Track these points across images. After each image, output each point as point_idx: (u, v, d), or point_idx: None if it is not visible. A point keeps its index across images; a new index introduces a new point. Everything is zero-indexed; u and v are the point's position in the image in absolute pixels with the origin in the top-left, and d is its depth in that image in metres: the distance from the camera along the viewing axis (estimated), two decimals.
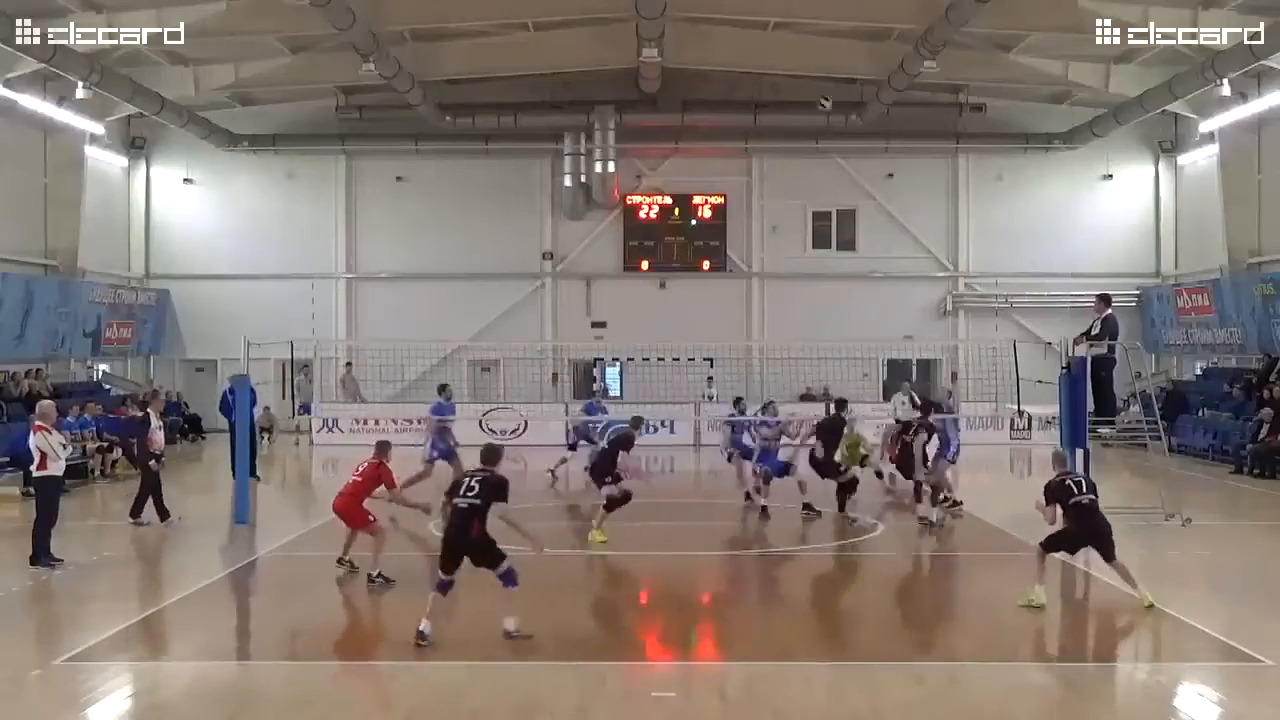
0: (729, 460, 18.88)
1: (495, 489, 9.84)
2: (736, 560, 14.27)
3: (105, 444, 21.88)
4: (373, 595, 11.74)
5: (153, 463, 15.79)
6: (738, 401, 19.25)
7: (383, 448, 12.71)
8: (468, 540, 9.82)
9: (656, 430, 27.80)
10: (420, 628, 9.68)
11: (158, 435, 16.14)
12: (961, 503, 17.23)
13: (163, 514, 15.80)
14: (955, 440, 17.61)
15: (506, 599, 9.86)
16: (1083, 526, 11.34)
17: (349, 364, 30.88)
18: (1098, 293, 17.38)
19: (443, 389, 20.08)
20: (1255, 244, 27.57)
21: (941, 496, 16.59)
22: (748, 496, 17.85)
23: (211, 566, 13.49)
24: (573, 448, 21.48)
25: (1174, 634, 10.36)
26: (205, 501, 18.29)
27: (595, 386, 30.56)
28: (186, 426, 30.24)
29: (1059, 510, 11.38)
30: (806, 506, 16.69)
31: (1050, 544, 11.49)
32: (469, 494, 9.88)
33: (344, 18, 21.93)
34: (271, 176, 32.38)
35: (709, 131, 31.58)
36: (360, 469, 12.56)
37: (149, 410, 16.48)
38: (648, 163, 32.28)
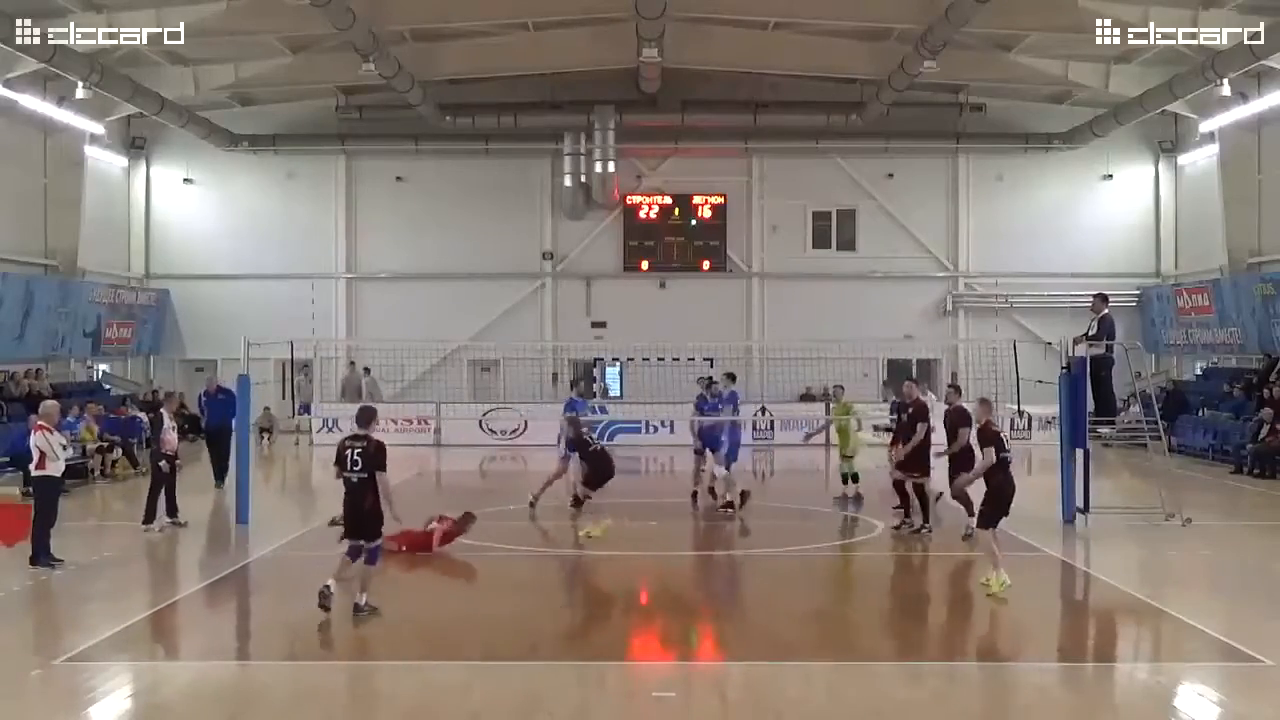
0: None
1: (375, 460, 10.42)
2: (736, 560, 14.27)
3: (105, 444, 21.86)
4: (371, 595, 11.73)
5: (163, 463, 15.64)
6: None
7: (468, 520, 14.28)
8: (361, 512, 10.44)
9: (656, 430, 27.85)
10: (328, 583, 10.30)
11: (170, 435, 15.93)
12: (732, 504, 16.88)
13: (172, 510, 15.72)
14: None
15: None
16: (1007, 482, 11.35)
17: (367, 368, 30.53)
18: (1094, 293, 17.36)
19: (575, 384, 19.62)
20: (1255, 244, 27.57)
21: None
22: (710, 494, 17.38)
23: (211, 566, 13.50)
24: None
25: (1174, 634, 10.37)
26: (205, 501, 18.28)
27: (595, 385, 30.48)
28: (186, 427, 30.19)
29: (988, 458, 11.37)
30: (728, 504, 16.70)
31: (991, 520, 11.39)
32: (354, 468, 10.44)
33: (344, 18, 21.93)
34: (271, 176, 32.38)
35: (709, 131, 31.59)
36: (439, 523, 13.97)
37: (162, 410, 16.35)
38: (648, 163, 32.28)
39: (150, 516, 15.48)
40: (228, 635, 10.75)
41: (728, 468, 17.04)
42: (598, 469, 14.95)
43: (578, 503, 15.01)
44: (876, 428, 18.46)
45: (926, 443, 15.09)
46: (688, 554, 14.77)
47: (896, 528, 15.25)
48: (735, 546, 15.20)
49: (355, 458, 10.46)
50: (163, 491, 15.67)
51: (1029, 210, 32.06)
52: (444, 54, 27.86)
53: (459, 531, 14.18)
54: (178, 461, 16.08)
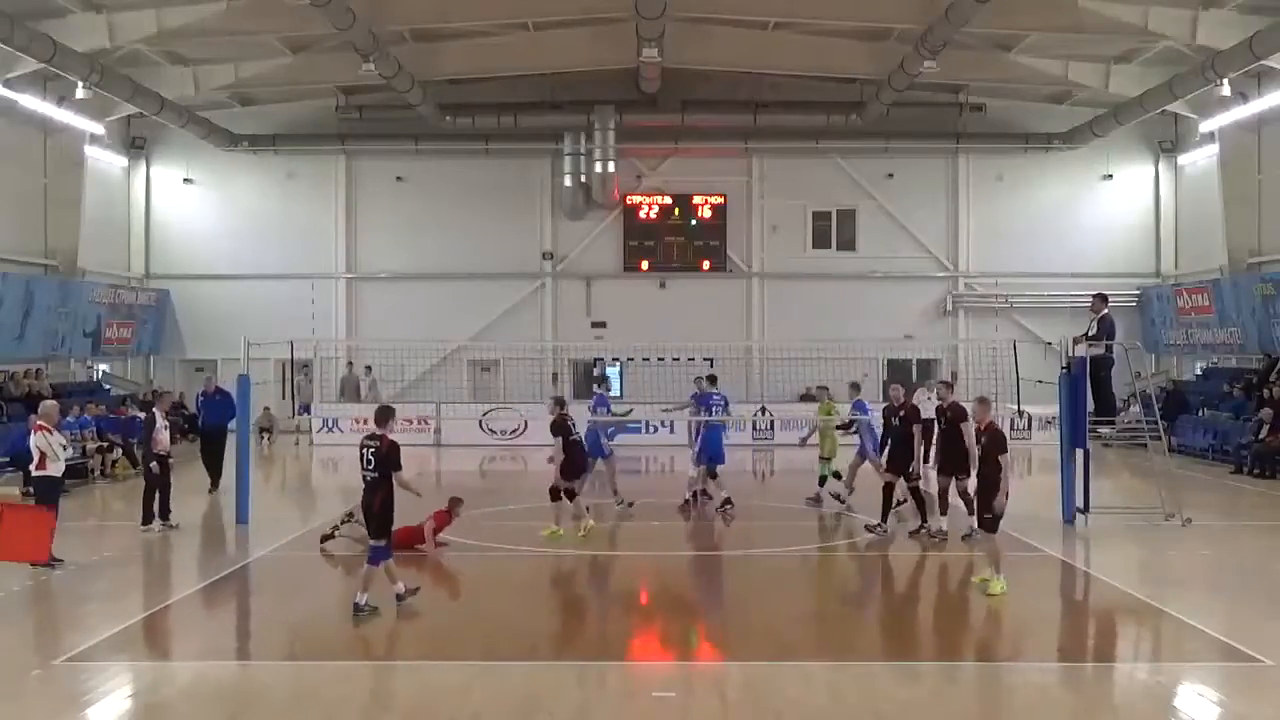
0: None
1: (387, 460, 10.50)
2: (736, 560, 14.27)
3: (105, 444, 21.85)
4: (372, 595, 11.73)
5: (154, 464, 15.57)
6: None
7: (455, 503, 14.39)
8: (370, 512, 10.60)
9: (656, 430, 27.83)
10: (397, 590, 10.71)
11: (163, 435, 15.80)
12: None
13: (164, 512, 15.62)
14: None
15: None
16: (1006, 482, 11.35)
17: (368, 366, 30.58)
18: (1094, 293, 17.36)
19: (600, 381, 19.87)
20: (1255, 244, 27.57)
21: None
22: (687, 503, 17.51)
23: (211, 566, 13.49)
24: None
25: (1174, 634, 10.37)
26: (204, 502, 18.28)
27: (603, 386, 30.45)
28: (186, 426, 30.20)
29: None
30: (726, 502, 16.79)
31: (995, 523, 11.41)
32: (367, 467, 10.54)
33: (344, 18, 21.93)
34: (271, 176, 32.38)
35: (709, 131, 31.58)
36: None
37: (154, 410, 16.14)
38: (648, 163, 32.28)
39: (148, 518, 15.47)
40: (228, 635, 10.75)
41: (712, 473, 17.06)
42: (573, 460, 14.99)
43: (555, 494, 14.99)
44: (841, 428, 18.39)
45: (924, 444, 15.14)
46: (688, 554, 14.78)
47: (870, 529, 15.24)
48: (735, 546, 15.20)
49: (369, 457, 10.53)
50: (157, 492, 15.63)
51: (1029, 210, 32.06)
52: (444, 54, 27.86)
53: (449, 520, 14.14)
54: (171, 461, 15.99)
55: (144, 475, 15.90)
